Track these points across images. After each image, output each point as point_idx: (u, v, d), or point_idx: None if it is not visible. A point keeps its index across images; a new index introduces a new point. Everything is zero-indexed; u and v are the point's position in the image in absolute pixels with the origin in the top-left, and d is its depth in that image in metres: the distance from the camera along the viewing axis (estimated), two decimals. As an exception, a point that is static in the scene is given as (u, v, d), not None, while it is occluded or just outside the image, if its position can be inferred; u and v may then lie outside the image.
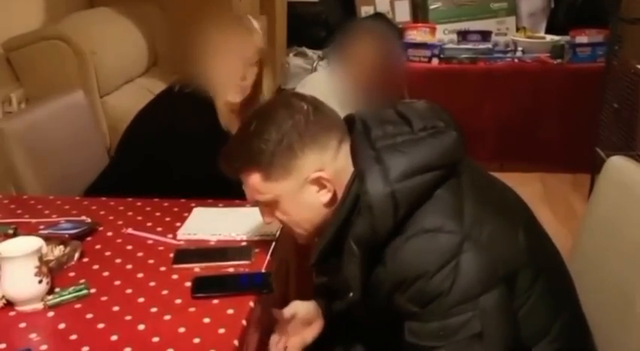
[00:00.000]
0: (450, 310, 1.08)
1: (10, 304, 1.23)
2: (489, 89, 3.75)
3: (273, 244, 1.46)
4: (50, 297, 1.24)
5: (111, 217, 1.62)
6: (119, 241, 1.50)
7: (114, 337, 1.13)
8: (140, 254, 1.44)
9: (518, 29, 4.30)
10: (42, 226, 1.53)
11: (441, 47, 3.86)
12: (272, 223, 1.31)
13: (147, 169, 1.78)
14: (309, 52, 4.94)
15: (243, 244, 1.48)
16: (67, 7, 3.46)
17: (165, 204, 1.69)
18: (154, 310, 1.22)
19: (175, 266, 1.38)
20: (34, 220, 1.59)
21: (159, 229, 1.55)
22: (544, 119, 3.73)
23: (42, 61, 2.98)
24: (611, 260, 1.29)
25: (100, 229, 1.56)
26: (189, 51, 1.85)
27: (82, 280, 1.31)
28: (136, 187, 1.75)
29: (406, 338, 1.14)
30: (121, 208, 1.68)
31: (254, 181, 1.21)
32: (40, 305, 1.23)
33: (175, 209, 1.66)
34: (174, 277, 1.34)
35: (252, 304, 1.24)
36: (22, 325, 1.19)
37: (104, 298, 1.26)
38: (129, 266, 1.39)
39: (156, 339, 1.13)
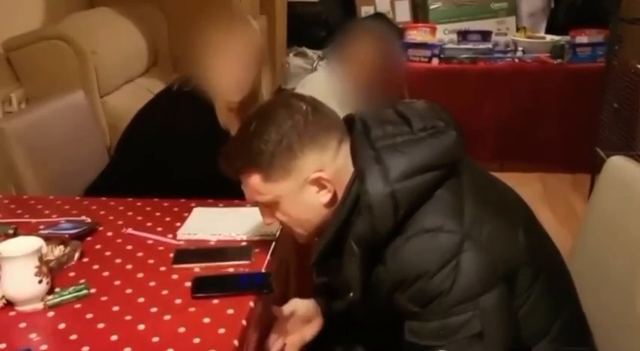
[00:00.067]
0: (451, 309, 1.08)
1: (10, 304, 1.23)
2: (489, 89, 3.75)
3: (273, 244, 1.46)
4: (50, 297, 1.24)
5: (111, 217, 1.62)
6: (119, 241, 1.50)
7: (114, 337, 1.13)
8: (140, 254, 1.44)
9: (518, 29, 4.31)
10: (42, 226, 1.53)
11: (441, 47, 3.86)
12: (272, 223, 1.31)
13: (146, 169, 1.78)
14: (309, 52, 4.94)
15: (243, 244, 1.48)
16: (67, 7, 3.46)
17: (165, 204, 1.69)
18: (154, 310, 1.22)
19: (175, 266, 1.38)
20: (34, 220, 1.59)
21: (159, 229, 1.55)
22: (544, 119, 3.74)
23: (42, 60, 2.98)
24: (612, 260, 1.29)
25: (100, 229, 1.56)
26: (187, 50, 1.85)
27: (82, 280, 1.31)
28: (135, 186, 1.75)
29: (406, 338, 1.14)
30: (121, 208, 1.68)
31: (254, 181, 1.21)
32: (40, 305, 1.23)
33: (175, 209, 1.66)
34: (175, 277, 1.34)
35: (252, 304, 1.24)
36: (22, 325, 1.19)
37: (104, 298, 1.26)
38: (129, 266, 1.39)
39: (156, 339, 1.13)
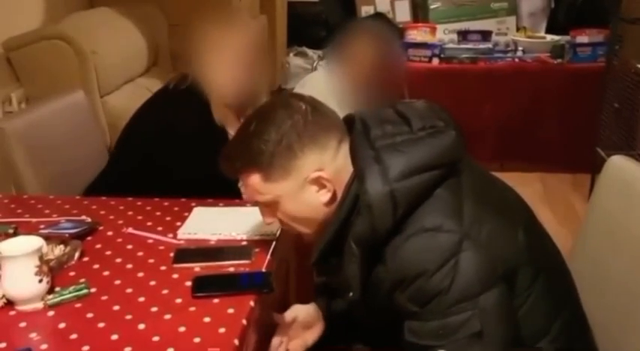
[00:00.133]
0: (450, 309, 1.08)
1: (10, 303, 1.23)
2: (489, 89, 3.75)
3: (274, 243, 1.46)
4: (50, 296, 1.24)
5: (111, 217, 1.62)
6: (119, 240, 1.50)
7: (114, 337, 1.13)
8: (140, 254, 1.44)
9: (518, 29, 4.30)
10: (42, 226, 1.53)
11: (441, 47, 3.86)
12: (273, 223, 1.31)
13: (145, 168, 1.78)
14: (309, 52, 4.94)
15: (244, 243, 1.48)
16: (67, 7, 3.46)
17: (166, 203, 1.69)
18: (154, 309, 1.22)
19: (176, 266, 1.38)
20: (34, 220, 1.59)
21: (159, 228, 1.55)
22: (544, 119, 3.74)
23: (42, 60, 2.98)
24: (613, 260, 1.29)
25: (101, 228, 1.56)
26: (184, 46, 1.86)
27: (83, 280, 1.31)
28: (134, 186, 1.75)
29: (406, 338, 1.14)
30: (122, 207, 1.68)
31: (254, 181, 1.21)
32: (40, 304, 1.23)
33: (175, 209, 1.66)
34: (175, 276, 1.34)
35: (252, 303, 1.24)
36: (23, 324, 1.19)
37: (104, 298, 1.26)
38: (129, 266, 1.39)
39: (156, 338, 1.13)
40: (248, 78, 1.83)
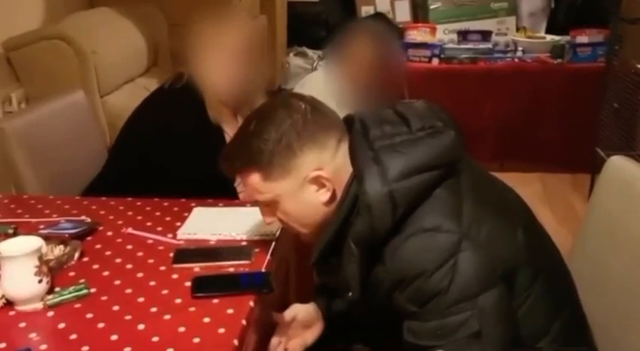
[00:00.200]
0: (449, 309, 1.08)
1: (9, 303, 1.23)
2: (489, 89, 3.75)
3: (273, 243, 1.46)
4: (50, 296, 1.24)
5: (111, 217, 1.62)
6: (119, 240, 1.50)
7: (114, 337, 1.13)
8: (140, 254, 1.44)
9: (518, 29, 4.30)
10: (42, 226, 1.53)
11: (441, 47, 3.86)
12: (273, 223, 1.31)
13: (142, 168, 1.78)
14: (309, 52, 4.94)
15: (243, 243, 1.48)
16: (67, 7, 3.46)
17: (165, 204, 1.69)
18: (153, 309, 1.22)
19: (175, 266, 1.38)
20: (34, 220, 1.59)
21: (159, 228, 1.55)
22: (544, 119, 3.73)
23: (42, 60, 2.98)
24: (612, 260, 1.29)
25: (100, 228, 1.56)
26: (181, 44, 1.86)
27: (82, 280, 1.31)
28: (132, 186, 1.74)
29: (405, 338, 1.14)
30: (121, 207, 1.68)
31: (254, 181, 1.22)
32: (39, 305, 1.23)
33: (175, 209, 1.66)
34: (174, 276, 1.34)
35: (252, 303, 1.24)
36: (22, 324, 1.19)
37: (104, 298, 1.26)
38: (129, 266, 1.39)
39: (156, 338, 1.13)
40: (243, 76, 1.83)
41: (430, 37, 4.02)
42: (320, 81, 2.15)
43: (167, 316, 1.19)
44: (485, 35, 4.01)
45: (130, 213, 1.64)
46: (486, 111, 3.75)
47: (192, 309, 1.22)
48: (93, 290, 1.28)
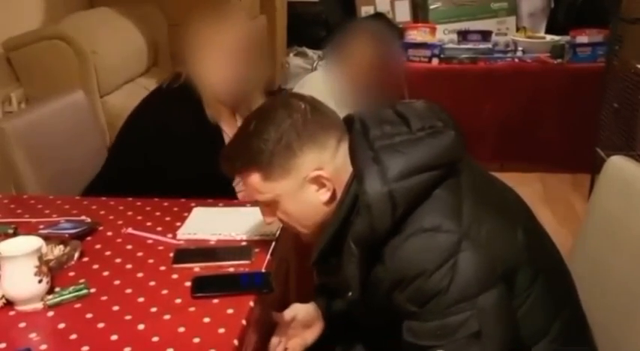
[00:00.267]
0: (449, 309, 1.08)
1: (9, 303, 1.23)
2: (489, 89, 3.75)
3: (273, 243, 1.46)
4: (50, 297, 1.24)
5: (111, 217, 1.62)
6: (119, 240, 1.50)
7: (114, 337, 1.13)
8: (140, 254, 1.44)
9: (518, 29, 4.30)
10: (42, 226, 1.53)
11: (441, 47, 3.86)
12: (273, 223, 1.31)
13: (140, 168, 1.78)
14: (309, 52, 4.94)
15: (243, 243, 1.48)
16: (67, 7, 3.46)
17: (165, 204, 1.69)
18: (153, 309, 1.22)
19: (175, 266, 1.38)
20: (34, 220, 1.59)
21: (159, 228, 1.55)
22: (544, 119, 3.73)
23: (42, 60, 2.98)
24: (612, 260, 1.29)
25: (100, 228, 1.56)
26: (178, 44, 1.86)
27: (82, 280, 1.31)
28: (130, 186, 1.74)
29: (405, 337, 1.14)
30: (121, 207, 1.68)
31: (254, 181, 1.22)
32: (39, 305, 1.23)
33: (175, 209, 1.66)
34: (174, 276, 1.34)
35: (252, 303, 1.24)
36: (22, 324, 1.19)
37: (104, 298, 1.26)
38: (129, 266, 1.39)
39: (155, 339, 1.13)
40: (241, 75, 1.83)
41: (430, 37, 4.02)
42: (319, 81, 2.15)
43: (167, 316, 1.19)
44: (485, 35, 4.01)
45: (129, 213, 1.64)
46: (486, 111, 3.75)
47: (192, 309, 1.22)
48: (93, 290, 1.28)
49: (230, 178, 1.68)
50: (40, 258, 1.23)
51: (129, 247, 1.47)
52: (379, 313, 1.23)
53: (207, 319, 1.18)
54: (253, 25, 2.07)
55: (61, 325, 1.18)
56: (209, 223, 1.56)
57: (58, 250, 1.40)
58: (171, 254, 1.42)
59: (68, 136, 2.06)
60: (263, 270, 1.37)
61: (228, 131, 1.85)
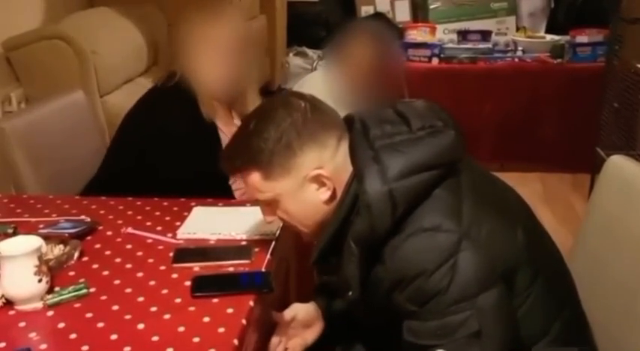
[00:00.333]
0: (449, 308, 1.08)
1: (9, 303, 1.23)
2: (489, 89, 3.75)
3: (273, 243, 1.46)
4: (50, 296, 1.24)
5: (110, 217, 1.62)
6: (119, 240, 1.50)
7: (113, 336, 1.13)
8: (140, 253, 1.44)
9: (518, 29, 4.30)
10: (41, 225, 1.53)
11: (441, 47, 3.86)
12: (273, 222, 1.31)
13: (137, 168, 1.78)
14: (309, 52, 4.94)
15: (243, 243, 1.48)
16: (67, 6, 3.46)
17: (165, 203, 1.69)
18: (153, 309, 1.22)
19: (175, 265, 1.38)
20: (33, 219, 1.59)
21: (158, 228, 1.55)
22: (544, 119, 3.73)
23: (42, 60, 2.98)
24: (613, 259, 1.29)
25: (100, 228, 1.56)
26: (173, 41, 1.86)
27: (82, 280, 1.31)
28: (127, 186, 1.74)
29: (405, 337, 1.14)
30: (121, 207, 1.68)
31: (254, 180, 1.22)
32: (39, 304, 1.23)
33: (175, 208, 1.66)
34: (174, 276, 1.34)
35: (251, 303, 1.24)
36: (22, 324, 1.19)
37: (104, 298, 1.26)
38: (128, 265, 1.39)
39: (155, 338, 1.13)
40: (234, 73, 1.83)
41: (430, 36, 4.02)
42: (319, 81, 2.15)
43: (167, 316, 1.19)
44: (485, 35, 4.01)
45: (129, 212, 1.64)
46: (486, 111, 3.75)
47: (192, 308, 1.22)
48: (92, 290, 1.28)
49: (227, 175, 1.68)
50: (40, 257, 1.23)
51: (129, 246, 1.47)
52: (379, 313, 1.23)
53: (207, 319, 1.18)
54: (247, 23, 2.07)
55: (61, 325, 1.18)
56: (209, 223, 1.56)
57: (58, 249, 1.40)
58: (171, 254, 1.42)
59: (68, 135, 2.05)
60: (263, 269, 1.37)
61: (224, 128, 1.85)
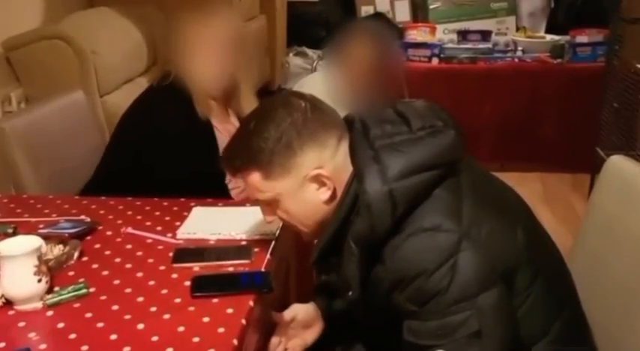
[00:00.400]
0: (449, 308, 1.08)
1: (9, 303, 1.23)
2: (489, 89, 3.75)
3: (273, 243, 1.46)
4: (49, 296, 1.24)
5: (110, 217, 1.62)
6: (118, 240, 1.50)
7: (113, 336, 1.13)
8: (139, 253, 1.44)
9: (518, 29, 4.30)
10: (41, 225, 1.53)
11: (441, 47, 3.86)
12: (273, 221, 1.31)
13: (134, 168, 1.78)
14: (309, 52, 4.94)
15: (243, 243, 1.48)
16: (67, 6, 3.46)
17: (165, 203, 1.69)
18: (153, 309, 1.22)
19: (175, 265, 1.38)
20: (33, 219, 1.59)
21: (158, 228, 1.55)
22: (544, 119, 3.73)
23: (42, 60, 2.98)
24: (612, 259, 1.29)
25: (100, 228, 1.56)
26: (168, 39, 1.87)
27: (82, 280, 1.31)
28: (126, 186, 1.74)
29: (405, 337, 1.14)
30: (121, 207, 1.68)
31: (254, 180, 1.21)
32: (39, 304, 1.23)
33: (175, 208, 1.66)
34: (174, 276, 1.34)
35: (251, 303, 1.24)
36: (22, 324, 1.19)
37: (103, 298, 1.26)
38: (128, 265, 1.39)
39: (155, 338, 1.13)
40: (229, 71, 1.83)
41: (430, 36, 4.02)
42: (318, 82, 2.15)
43: (166, 316, 1.19)
44: (485, 35, 4.01)
45: (129, 212, 1.64)
46: (486, 111, 3.75)
47: (191, 308, 1.22)
48: (92, 290, 1.28)
49: (223, 174, 1.68)
50: (40, 257, 1.23)
51: (128, 246, 1.47)
52: (379, 313, 1.23)
53: (206, 319, 1.18)
54: (241, 22, 2.07)
55: (61, 325, 1.18)
56: (209, 223, 1.56)
57: (58, 249, 1.40)
58: (171, 254, 1.42)
59: (68, 135, 2.05)
60: (263, 269, 1.37)
61: (220, 127, 1.85)
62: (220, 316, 1.19)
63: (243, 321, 1.18)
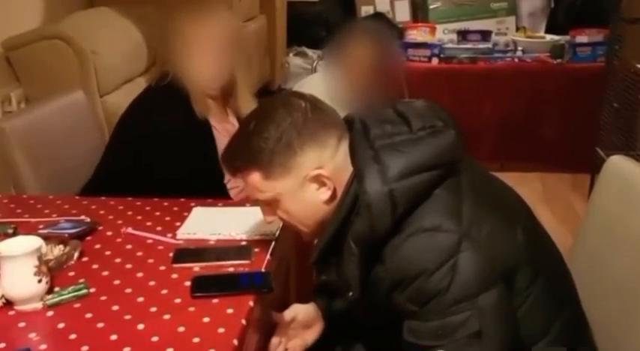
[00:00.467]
0: (449, 309, 1.08)
1: (9, 303, 1.23)
2: (489, 89, 3.75)
3: (273, 243, 1.46)
4: (49, 296, 1.24)
5: (110, 217, 1.62)
6: (119, 240, 1.50)
7: (113, 337, 1.13)
8: (140, 254, 1.44)
9: (518, 29, 4.30)
10: (41, 226, 1.53)
11: (441, 47, 3.86)
12: (273, 221, 1.31)
13: (133, 168, 1.78)
14: (309, 52, 4.94)
15: (243, 243, 1.48)
16: (67, 6, 3.46)
17: (165, 203, 1.69)
18: (153, 309, 1.22)
19: (175, 266, 1.38)
20: (33, 220, 1.59)
21: (158, 228, 1.55)
22: (544, 119, 3.73)
23: (42, 60, 2.98)
24: (612, 259, 1.29)
25: (100, 228, 1.56)
26: (164, 39, 1.87)
27: (82, 280, 1.31)
28: (125, 186, 1.74)
29: (405, 337, 1.14)
30: (121, 207, 1.68)
31: (254, 179, 1.21)
32: (39, 305, 1.23)
33: (175, 209, 1.66)
34: (174, 276, 1.34)
35: (251, 303, 1.24)
36: (22, 324, 1.19)
37: (103, 298, 1.26)
38: (128, 266, 1.39)
39: (155, 338, 1.13)
40: (226, 70, 1.83)
41: (430, 36, 4.02)
42: (318, 83, 2.14)
43: (167, 316, 1.19)
44: (485, 35, 4.00)
45: (129, 213, 1.64)
46: (486, 111, 3.75)
47: (191, 309, 1.22)
48: (92, 290, 1.28)
49: (221, 174, 1.68)
50: (40, 258, 1.23)
51: (128, 246, 1.47)
52: (379, 313, 1.23)
53: (206, 319, 1.18)
54: (238, 21, 2.07)
55: (61, 325, 1.18)
56: (209, 223, 1.56)
57: (58, 249, 1.40)
58: (171, 254, 1.42)
59: (68, 135, 2.05)
60: (263, 270, 1.37)
61: (218, 126, 1.85)
62: (220, 316, 1.19)
63: (244, 321, 1.19)
